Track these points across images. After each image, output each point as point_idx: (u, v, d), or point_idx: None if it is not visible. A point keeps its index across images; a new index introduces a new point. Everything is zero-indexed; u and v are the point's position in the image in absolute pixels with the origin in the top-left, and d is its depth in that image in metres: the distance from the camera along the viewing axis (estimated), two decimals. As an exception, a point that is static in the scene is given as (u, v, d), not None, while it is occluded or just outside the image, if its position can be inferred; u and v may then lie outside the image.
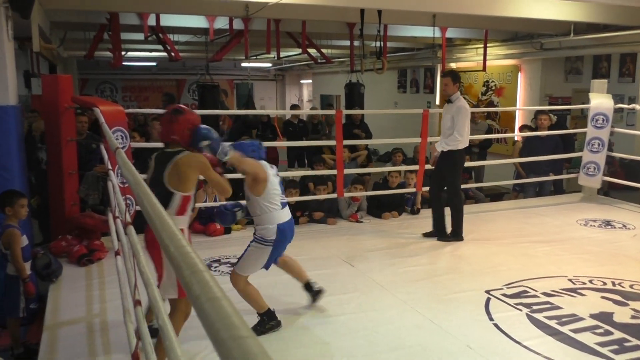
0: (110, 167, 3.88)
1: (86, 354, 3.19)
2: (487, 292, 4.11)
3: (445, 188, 5.47)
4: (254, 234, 3.46)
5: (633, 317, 3.69)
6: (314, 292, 3.79)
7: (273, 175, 3.41)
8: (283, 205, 3.45)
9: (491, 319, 3.66)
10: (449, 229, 5.46)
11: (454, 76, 5.25)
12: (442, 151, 5.28)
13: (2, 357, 3.52)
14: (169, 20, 7.64)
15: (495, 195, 8.38)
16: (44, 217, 5.63)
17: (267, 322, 3.43)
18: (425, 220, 6.36)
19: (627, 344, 3.29)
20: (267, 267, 3.53)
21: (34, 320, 4.30)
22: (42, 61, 9.96)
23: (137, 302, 2.12)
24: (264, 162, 3.41)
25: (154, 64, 16.37)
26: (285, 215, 3.45)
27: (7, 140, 4.55)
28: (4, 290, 4.07)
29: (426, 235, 5.54)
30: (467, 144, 5.36)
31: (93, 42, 8.17)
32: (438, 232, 5.48)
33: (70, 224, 5.13)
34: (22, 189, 4.49)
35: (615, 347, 3.26)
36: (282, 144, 8.51)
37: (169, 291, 2.86)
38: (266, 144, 4.02)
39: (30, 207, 4.57)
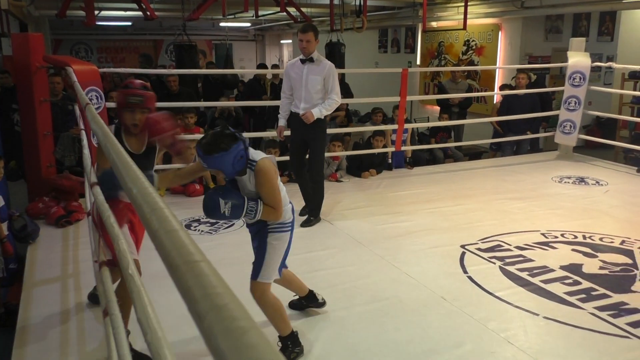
0: (82, 127, 3.82)
1: (64, 313, 3.22)
2: (463, 246, 4.21)
3: (309, 160, 4.78)
4: (267, 227, 2.70)
5: (601, 267, 3.82)
6: (318, 303, 3.18)
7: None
8: None
9: (465, 272, 3.76)
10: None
11: (316, 31, 4.48)
12: (299, 117, 4.58)
13: None
14: (143, -24, 7.42)
15: (474, 154, 8.48)
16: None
17: (292, 349, 2.78)
18: (405, 179, 6.45)
19: (594, 293, 3.42)
20: (283, 262, 2.83)
21: (14, 282, 4.31)
22: (12, 20, 9.66)
23: (102, 263, 2.10)
24: (263, 155, 2.62)
25: (129, 23, 15.96)
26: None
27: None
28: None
29: (303, 215, 4.84)
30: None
31: (65, 0, 7.91)
32: (310, 211, 4.86)
33: (46, 185, 5.09)
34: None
35: (583, 295, 3.38)
36: (262, 103, 8.41)
37: None
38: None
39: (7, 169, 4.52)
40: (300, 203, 5.05)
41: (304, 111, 4.54)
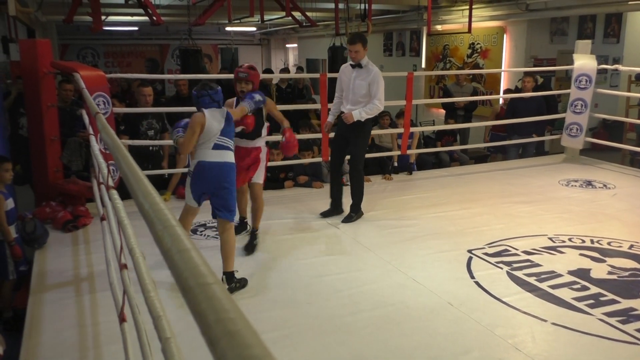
0: (91, 132, 3.84)
1: (73, 317, 3.22)
2: (469, 251, 4.19)
3: (349, 159, 5.11)
4: None
5: (609, 272, 3.80)
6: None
7: (217, 123, 3.43)
8: (217, 147, 3.44)
9: (472, 277, 3.75)
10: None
11: (364, 41, 4.80)
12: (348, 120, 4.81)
13: None
14: (149, -18, 7.46)
15: (480, 157, 8.46)
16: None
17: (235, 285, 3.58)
18: (410, 182, 6.43)
19: (602, 299, 3.40)
20: (196, 199, 3.55)
21: (20, 286, 4.33)
22: (20, 26, 9.72)
23: (122, 266, 2.14)
24: (211, 110, 3.46)
25: (136, 28, 16.03)
26: (213, 155, 3.43)
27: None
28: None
29: (326, 214, 5.09)
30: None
31: (72, 6, 7.95)
32: (336, 209, 5.12)
33: (53, 190, 5.11)
34: (5, 153, 4.45)
35: (591, 301, 3.36)
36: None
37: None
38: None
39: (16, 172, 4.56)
40: (324, 204, 5.17)
41: (348, 112, 4.81)
